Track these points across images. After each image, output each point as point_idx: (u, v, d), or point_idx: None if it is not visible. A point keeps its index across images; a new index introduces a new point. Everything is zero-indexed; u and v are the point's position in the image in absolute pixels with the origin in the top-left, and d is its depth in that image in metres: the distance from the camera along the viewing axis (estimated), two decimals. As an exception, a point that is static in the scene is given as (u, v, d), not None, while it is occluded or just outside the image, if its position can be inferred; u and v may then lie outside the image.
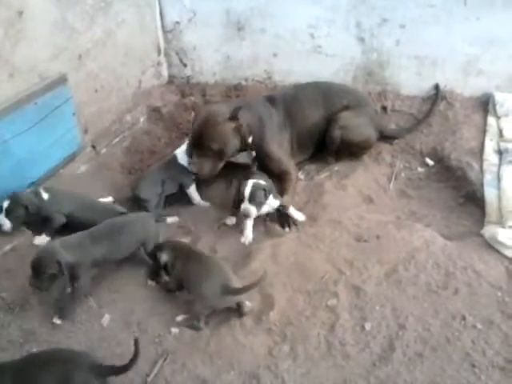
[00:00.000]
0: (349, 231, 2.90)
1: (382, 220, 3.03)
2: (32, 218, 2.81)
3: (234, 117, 3.15)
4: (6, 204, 2.74)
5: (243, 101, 3.62)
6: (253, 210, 2.87)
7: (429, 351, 2.24)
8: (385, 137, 3.82)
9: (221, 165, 3.27)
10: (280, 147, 3.47)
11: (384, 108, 4.05)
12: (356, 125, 3.58)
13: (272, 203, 3.00)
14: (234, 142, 3.22)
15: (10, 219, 2.75)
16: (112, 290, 2.57)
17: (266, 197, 2.91)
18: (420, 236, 2.79)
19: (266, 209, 2.99)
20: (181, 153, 3.29)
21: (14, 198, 2.77)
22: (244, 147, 3.30)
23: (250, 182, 2.90)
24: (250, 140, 3.28)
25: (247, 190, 2.86)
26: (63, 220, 2.86)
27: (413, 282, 2.54)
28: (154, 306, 2.49)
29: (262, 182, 2.94)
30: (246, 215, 2.89)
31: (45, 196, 2.85)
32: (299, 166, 3.65)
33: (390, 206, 3.30)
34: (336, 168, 3.65)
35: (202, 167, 3.18)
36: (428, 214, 3.21)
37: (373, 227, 2.92)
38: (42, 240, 2.81)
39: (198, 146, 3.17)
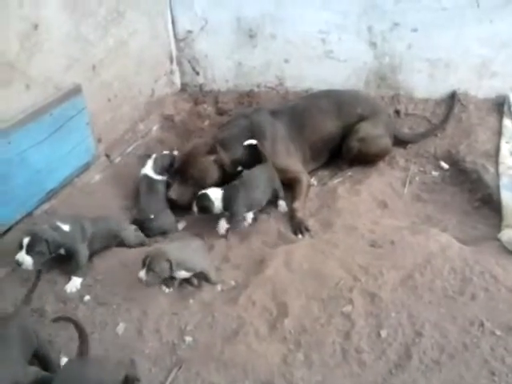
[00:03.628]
0: (363, 237, 2.87)
1: (396, 225, 3.00)
2: (52, 254, 2.62)
3: (212, 150, 3.34)
4: (26, 240, 2.52)
5: (244, 116, 3.61)
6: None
7: (446, 358, 2.19)
8: (400, 141, 3.80)
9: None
10: (287, 157, 3.47)
11: (397, 112, 4.02)
12: (374, 136, 3.57)
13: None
14: (212, 172, 3.36)
15: (31, 256, 2.51)
16: (127, 299, 2.57)
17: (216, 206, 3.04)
18: (435, 241, 2.75)
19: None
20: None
21: (34, 233, 2.55)
22: (227, 175, 3.38)
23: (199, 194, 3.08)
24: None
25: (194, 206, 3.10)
26: (87, 253, 2.73)
27: (429, 287, 2.50)
28: (168, 315, 2.49)
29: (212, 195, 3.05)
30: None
31: (65, 228, 2.67)
32: (312, 172, 3.64)
33: (405, 211, 3.27)
34: (349, 173, 3.63)
35: (181, 194, 3.34)
36: (443, 218, 3.18)
37: (387, 232, 2.88)
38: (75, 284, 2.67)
39: (180, 175, 3.38)
